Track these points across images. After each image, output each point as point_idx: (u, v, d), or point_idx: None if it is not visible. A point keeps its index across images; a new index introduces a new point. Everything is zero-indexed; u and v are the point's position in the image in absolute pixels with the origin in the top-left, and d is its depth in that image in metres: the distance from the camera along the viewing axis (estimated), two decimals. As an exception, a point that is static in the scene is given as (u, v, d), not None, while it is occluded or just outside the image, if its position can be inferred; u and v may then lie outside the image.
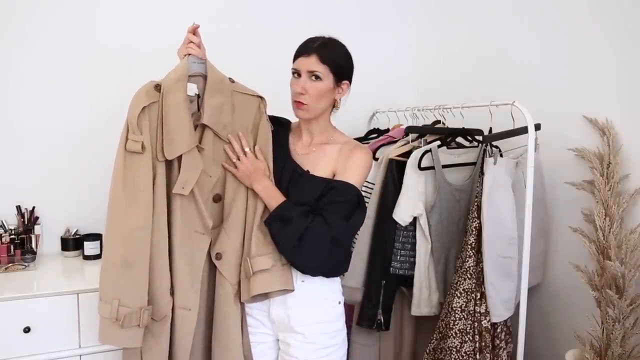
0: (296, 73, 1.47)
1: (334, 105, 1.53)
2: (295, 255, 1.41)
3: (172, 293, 1.42)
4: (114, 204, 1.36)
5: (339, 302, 1.53)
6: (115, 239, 1.35)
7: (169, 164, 1.42)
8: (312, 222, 1.38)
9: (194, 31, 1.43)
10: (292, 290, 1.44)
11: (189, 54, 1.41)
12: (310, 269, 1.44)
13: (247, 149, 1.47)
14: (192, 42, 1.41)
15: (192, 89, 1.43)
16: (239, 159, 1.47)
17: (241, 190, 1.49)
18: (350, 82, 1.52)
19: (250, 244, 1.45)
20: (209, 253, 1.48)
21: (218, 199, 1.50)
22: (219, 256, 1.47)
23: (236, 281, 1.47)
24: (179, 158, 1.39)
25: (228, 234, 1.47)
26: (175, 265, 1.42)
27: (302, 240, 1.38)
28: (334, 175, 1.48)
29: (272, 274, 1.42)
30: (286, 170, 1.50)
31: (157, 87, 1.39)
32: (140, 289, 1.36)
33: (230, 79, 1.49)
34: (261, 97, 1.52)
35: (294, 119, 1.58)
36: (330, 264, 1.45)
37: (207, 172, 1.44)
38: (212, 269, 1.50)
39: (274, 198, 1.44)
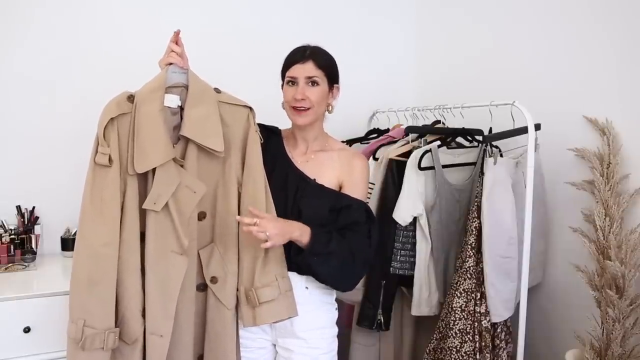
0: (292, 81, 1.46)
1: (327, 109, 1.52)
2: (336, 283, 1.46)
3: (144, 315, 1.33)
4: (82, 218, 1.30)
5: (335, 308, 1.56)
6: (82, 255, 1.29)
7: (143, 178, 1.34)
8: (346, 251, 1.40)
9: (176, 40, 1.37)
10: (296, 316, 1.43)
11: (170, 64, 1.35)
12: (346, 290, 1.50)
13: (254, 220, 1.31)
14: (173, 51, 1.36)
15: (175, 100, 1.35)
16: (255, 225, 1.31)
17: (231, 213, 1.40)
18: (339, 85, 1.53)
19: (252, 273, 1.39)
20: (201, 275, 1.40)
21: (203, 216, 1.40)
22: (214, 280, 1.40)
23: (233, 305, 1.41)
24: (155, 172, 1.31)
25: (223, 257, 1.41)
26: (147, 285, 1.33)
27: (342, 272, 1.41)
28: (340, 186, 1.49)
29: (279, 304, 1.39)
30: (291, 179, 1.47)
31: (130, 98, 1.32)
32: (106, 309, 1.28)
33: (216, 89, 1.42)
34: (250, 108, 1.45)
35: (283, 127, 1.58)
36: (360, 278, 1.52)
37: (190, 187, 1.35)
38: (200, 292, 1.42)
39: (307, 233, 1.37)
